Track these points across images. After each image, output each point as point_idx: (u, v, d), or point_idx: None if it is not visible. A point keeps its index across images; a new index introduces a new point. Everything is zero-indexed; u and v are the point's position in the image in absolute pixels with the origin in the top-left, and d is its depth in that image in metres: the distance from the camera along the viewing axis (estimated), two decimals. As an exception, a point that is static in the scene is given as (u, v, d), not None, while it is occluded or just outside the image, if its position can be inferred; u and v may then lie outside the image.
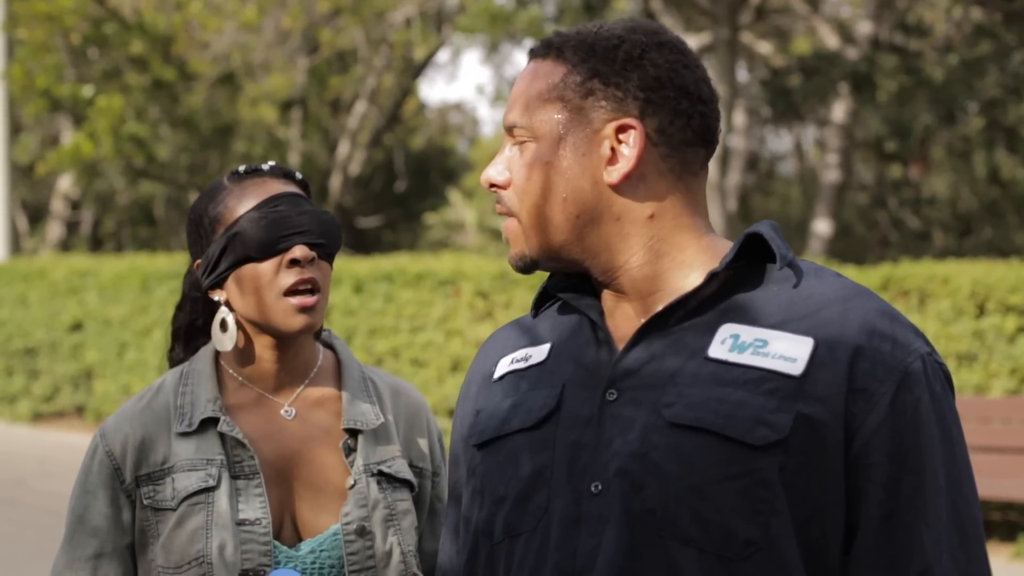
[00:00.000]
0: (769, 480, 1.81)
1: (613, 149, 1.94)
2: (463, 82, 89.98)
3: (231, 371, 2.59)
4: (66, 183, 27.56)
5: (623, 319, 1.99)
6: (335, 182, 27.02)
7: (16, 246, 23.42)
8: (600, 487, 1.89)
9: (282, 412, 2.56)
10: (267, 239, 2.46)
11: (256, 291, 2.48)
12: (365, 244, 28.12)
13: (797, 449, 1.82)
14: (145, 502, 2.50)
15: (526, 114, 1.98)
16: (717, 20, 17.70)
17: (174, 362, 2.71)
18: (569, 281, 2.08)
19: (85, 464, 2.55)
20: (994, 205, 25.00)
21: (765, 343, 1.87)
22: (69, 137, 23.59)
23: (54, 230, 28.58)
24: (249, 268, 2.49)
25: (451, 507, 2.21)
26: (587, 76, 1.95)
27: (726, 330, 1.90)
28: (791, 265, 1.95)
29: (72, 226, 30.41)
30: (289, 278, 2.46)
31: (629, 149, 1.93)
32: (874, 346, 1.85)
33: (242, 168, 2.57)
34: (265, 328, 2.52)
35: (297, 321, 2.47)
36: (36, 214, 31.95)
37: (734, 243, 1.94)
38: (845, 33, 20.62)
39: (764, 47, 23.95)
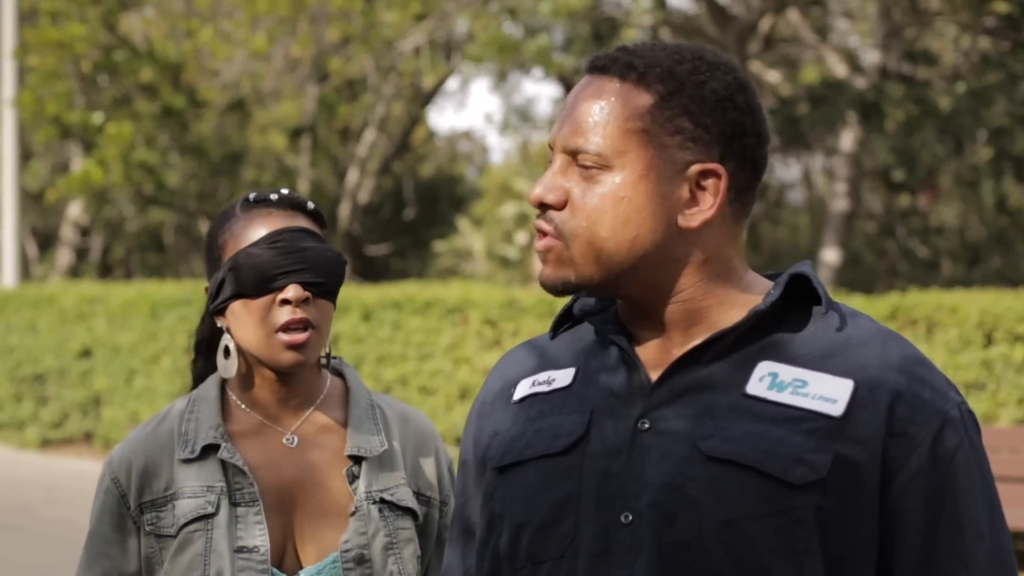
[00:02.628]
0: (805, 519, 1.79)
1: (693, 193, 1.88)
2: (472, 110, 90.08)
3: (235, 398, 2.59)
4: (76, 210, 27.59)
5: (655, 348, 1.95)
6: (344, 210, 27.04)
7: (26, 272, 23.46)
8: (631, 517, 1.85)
9: (284, 440, 2.56)
10: (261, 278, 2.46)
11: (249, 325, 2.48)
12: (374, 272, 28.12)
13: (834, 490, 1.80)
14: (148, 528, 2.51)
15: (602, 141, 1.88)
16: (725, 48, 17.72)
17: (196, 374, 2.72)
18: (595, 304, 2.04)
19: (96, 491, 2.58)
20: (1002, 234, 24.96)
21: (804, 383, 1.84)
22: (79, 164, 23.62)
23: (64, 256, 28.61)
24: (244, 303, 2.49)
25: (455, 524, 2.17)
26: (677, 112, 1.87)
27: (764, 368, 1.87)
28: (833, 307, 1.93)
29: (81, 253, 30.44)
30: (281, 317, 2.46)
31: (712, 196, 1.88)
32: (914, 391, 1.84)
33: (252, 196, 2.56)
34: (259, 361, 2.53)
35: (287, 358, 2.47)
36: (46, 241, 31.98)
37: (778, 282, 1.92)
38: (853, 62, 20.63)
39: (772, 76, 23.98)
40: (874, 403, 1.82)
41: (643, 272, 1.89)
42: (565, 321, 2.08)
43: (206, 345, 2.70)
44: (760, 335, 1.90)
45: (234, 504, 2.49)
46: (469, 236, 37.70)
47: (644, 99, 1.87)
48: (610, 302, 2.03)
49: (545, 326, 11.98)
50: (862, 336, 1.89)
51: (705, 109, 1.86)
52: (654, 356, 1.94)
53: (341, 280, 2.53)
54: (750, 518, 1.79)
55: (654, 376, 1.91)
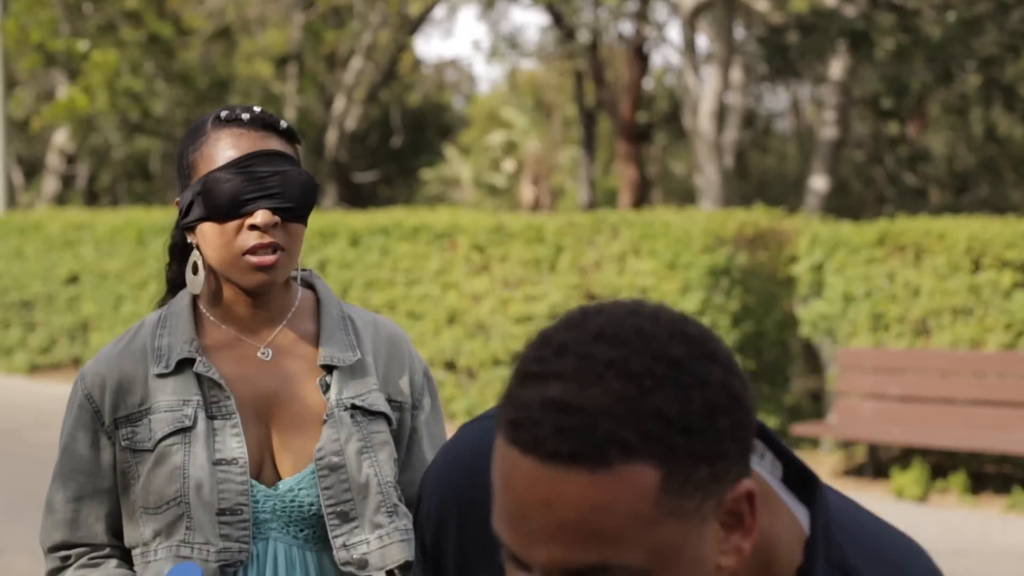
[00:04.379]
0: None
1: (727, 526, 1.36)
2: (459, 38, 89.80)
3: (207, 313, 2.59)
4: (62, 138, 27.48)
5: None
6: (331, 137, 26.96)
7: (12, 200, 23.37)
8: None
9: (259, 354, 2.55)
10: (230, 203, 2.43)
11: (218, 247, 2.46)
12: (361, 199, 28.09)
13: None
14: (124, 443, 2.50)
15: (620, 550, 1.29)
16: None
17: (170, 277, 2.71)
18: None
19: (68, 408, 2.56)
20: (991, 162, 24.97)
21: None
22: (64, 92, 23.50)
23: (50, 184, 28.52)
24: (213, 225, 2.47)
25: None
26: (694, 466, 1.30)
27: None
28: None
29: (68, 180, 30.34)
30: (249, 240, 2.43)
31: (750, 515, 1.37)
32: None
33: (223, 113, 2.50)
34: (227, 279, 2.52)
35: (255, 279, 2.45)
36: (32, 169, 31.89)
37: None
38: (843, -10, 20.54)
39: (761, 4, 23.89)
40: None
41: None
42: None
43: (179, 250, 2.69)
44: None
45: (211, 417, 2.48)
46: (456, 164, 37.68)
47: (649, 475, 1.28)
48: None
49: (533, 252, 12.00)
50: None
51: (716, 437, 1.31)
52: None
53: (312, 203, 2.49)
54: None
55: None
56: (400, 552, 2.51)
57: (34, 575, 6.84)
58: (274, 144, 2.48)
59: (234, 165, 2.44)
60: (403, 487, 2.61)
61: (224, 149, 2.46)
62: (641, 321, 1.34)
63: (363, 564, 2.49)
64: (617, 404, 1.27)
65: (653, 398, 1.28)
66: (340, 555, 2.48)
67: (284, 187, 2.44)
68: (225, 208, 2.43)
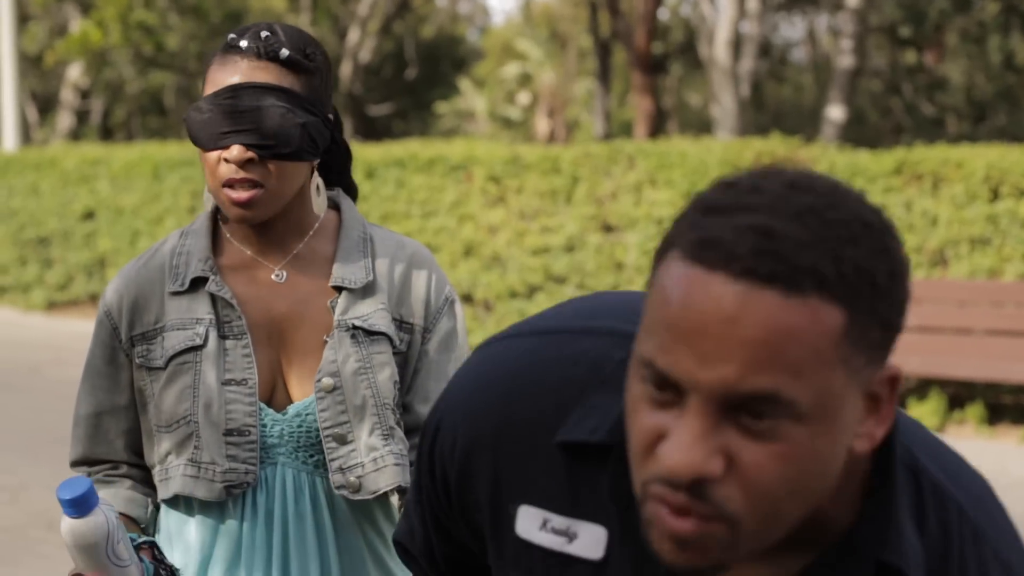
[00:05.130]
0: None
1: (868, 405, 1.33)
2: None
3: (226, 232, 2.58)
4: (75, 73, 27.44)
5: None
6: (345, 69, 26.88)
7: (26, 136, 23.38)
8: None
9: (273, 275, 2.53)
10: (207, 135, 2.40)
11: (207, 174, 2.45)
12: (375, 132, 28.03)
13: None
14: (138, 361, 2.51)
15: (796, 382, 1.26)
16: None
17: None
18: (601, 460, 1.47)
19: (94, 325, 2.58)
20: (1009, 91, 24.83)
21: None
22: (77, 26, 23.43)
23: (64, 120, 28.50)
24: (200, 152, 2.46)
25: (418, 525, 1.73)
26: (871, 323, 1.28)
27: None
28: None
29: (82, 116, 30.32)
30: (226, 172, 2.40)
31: (889, 402, 1.34)
32: None
33: (231, 36, 2.46)
34: None
35: (234, 212, 2.43)
36: (46, 104, 31.85)
37: (863, 549, 1.43)
38: (860, -84, 20.37)
39: (778, -69, 23.71)
40: None
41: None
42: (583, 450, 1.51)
43: None
44: None
45: (222, 337, 2.47)
46: (471, 97, 37.56)
47: (835, 316, 1.26)
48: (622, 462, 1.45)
49: (549, 183, 11.97)
50: None
51: (896, 308, 1.31)
52: None
53: (294, 143, 2.41)
54: None
55: None
56: (393, 476, 2.48)
57: (53, 511, 6.88)
58: (267, 75, 2.42)
59: (217, 96, 2.41)
60: (405, 409, 2.58)
61: (218, 76, 2.43)
62: (833, 181, 1.32)
63: (356, 488, 2.47)
64: (817, 242, 1.25)
65: (849, 248, 1.26)
66: (335, 478, 2.47)
67: (261, 123, 2.39)
68: (204, 140, 2.41)
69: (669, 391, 1.28)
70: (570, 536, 1.49)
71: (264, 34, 2.44)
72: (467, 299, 12.69)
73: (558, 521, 1.49)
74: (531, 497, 1.51)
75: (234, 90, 2.40)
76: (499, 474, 1.54)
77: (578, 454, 1.48)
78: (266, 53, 2.42)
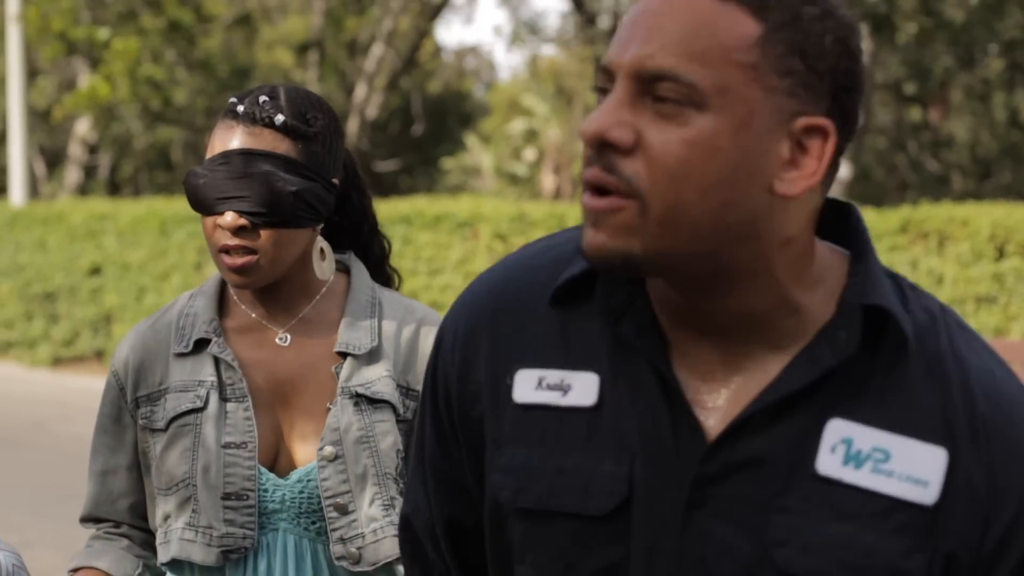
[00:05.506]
0: None
1: (793, 152, 1.44)
2: (480, 25, 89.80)
3: (234, 293, 2.58)
4: (83, 127, 27.54)
5: (700, 367, 1.54)
6: (352, 125, 26.97)
7: (34, 191, 23.43)
8: None
9: (277, 339, 2.53)
10: (203, 201, 2.41)
11: (206, 238, 2.47)
12: (382, 188, 28.09)
13: None
14: (142, 423, 2.52)
15: (701, 68, 1.41)
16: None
17: None
18: (626, 302, 1.56)
19: (105, 383, 2.60)
20: (1014, 148, 24.87)
21: (887, 455, 1.47)
22: (85, 80, 23.55)
23: (72, 174, 28.58)
24: (200, 216, 2.48)
25: (419, 464, 1.77)
26: (790, 50, 1.42)
27: (835, 430, 1.48)
28: (924, 338, 1.52)
29: (90, 170, 30.41)
30: (221, 239, 2.41)
31: (816, 159, 1.44)
32: (1010, 440, 1.50)
33: (232, 100, 2.47)
34: None
35: (231, 279, 2.44)
36: (54, 159, 31.95)
37: (849, 311, 1.50)
38: (865, -26, 20.47)
39: (783, -11, 23.84)
40: (969, 480, 1.47)
41: (722, 254, 1.46)
42: (574, 291, 1.60)
43: None
44: (829, 379, 1.49)
45: (224, 399, 2.46)
46: (477, 153, 37.63)
47: (751, 27, 1.41)
48: (634, 287, 1.57)
49: (555, 241, 11.99)
50: (945, 371, 1.51)
51: (821, 51, 1.43)
52: (700, 376, 1.54)
53: (287, 211, 2.39)
54: None
55: (704, 416, 1.52)
56: (393, 547, 2.46)
57: (60, 570, 6.85)
58: (261, 141, 2.41)
59: (212, 162, 2.41)
60: None
61: (216, 141, 2.44)
62: None
63: (356, 559, 2.45)
64: None
65: None
66: (336, 549, 2.45)
67: (255, 191, 2.38)
68: (200, 205, 2.42)
69: (609, 84, 1.47)
70: (564, 389, 1.56)
71: (262, 99, 2.44)
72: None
73: (552, 376, 1.56)
74: (527, 360, 1.59)
75: (228, 156, 2.40)
76: (497, 345, 1.61)
77: (571, 302, 1.58)
78: (262, 119, 2.42)
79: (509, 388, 1.60)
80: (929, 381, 1.49)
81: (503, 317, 1.62)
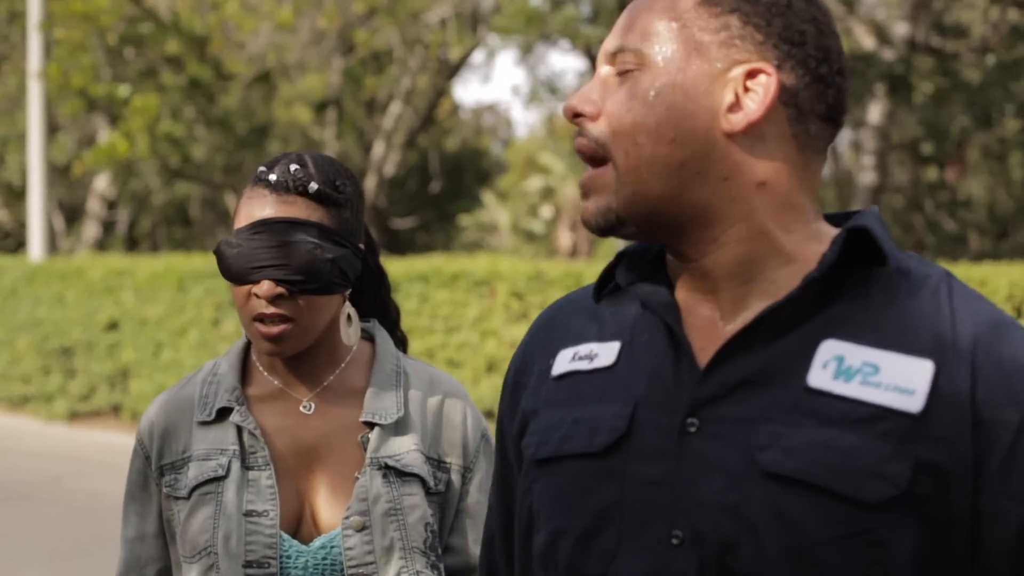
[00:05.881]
0: (883, 540, 1.53)
1: (737, 96, 1.64)
2: (498, 83, 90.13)
3: (257, 361, 2.59)
4: (102, 183, 27.67)
5: (702, 322, 1.68)
6: (370, 183, 27.05)
7: (53, 246, 23.54)
8: (681, 536, 1.60)
9: (301, 407, 2.54)
10: (237, 271, 2.43)
11: (238, 307, 2.49)
12: (399, 245, 28.16)
13: (916, 502, 1.53)
14: (166, 491, 2.53)
15: (638, 37, 1.67)
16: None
17: None
18: (640, 270, 1.77)
19: (132, 451, 2.61)
20: (1031, 208, 24.85)
21: (876, 369, 1.56)
22: (105, 137, 23.67)
23: (90, 230, 28.69)
24: (231, 285, 2.49)
25: (496, 467, 1.94)
26: (725, 10, 1.65)
27: (828, 349, 1.59)
28: (901, 267, 1.65)
29: (108, 226, 30.52)
30: (257, 307, 2.43)
31: (758, 98, 1.63)
32: (996, 362, 1.57)
33: (261, 170, 2.49)
34: None
35: (264, 347, 2.45)
36: (72, 214, 32.08)
37: (835, 239, 1.64)
38: (881, 34, 20.53)
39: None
40: (954, 390, 1.54)
41: (688, 192, 1.65)
42: (608, 281, 1.80)
43: None
44: (822, 304, 1.62)
45: (247, 468, 2.48)
46: (494, 210, 37.72)
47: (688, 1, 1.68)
48: (656, 265, 1.77)
49: (572, 299, 11.98)
50: (937, 301, 1.61)
51: (759, 10, 1.65)
52: (701, 332, 1.67)
53: (324, 277, 2.42)
54: (820, 544, 1.54)
55: (703, 358, 1.65)
56: None
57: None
58: (296, 209, 2.44)
59: (246, 231, 2.43)
60: (450, 552, 2.58)
61: (247, 210, 2.46)
62: None
63: None
64: None
65: None
66: None
67: (290, 258, 2.40)
68: (234, 274, 2.44)
69: None
70: (592, 357, 1.75)
71: (294, 167, 2.46)
72: (489, 415, 12.67)
73: (584, 349, 1.77)
74: (569, 341, 1.81)
75: (263, 225, 2.42)
76: (550, 337, 1.84)
77: (610, 296, 1.81)
78: (295, 187, 2.44)
79: (550, 368, 1.81)
80: (921, 307, 1.61)
81: (559, 318, 1.87)
